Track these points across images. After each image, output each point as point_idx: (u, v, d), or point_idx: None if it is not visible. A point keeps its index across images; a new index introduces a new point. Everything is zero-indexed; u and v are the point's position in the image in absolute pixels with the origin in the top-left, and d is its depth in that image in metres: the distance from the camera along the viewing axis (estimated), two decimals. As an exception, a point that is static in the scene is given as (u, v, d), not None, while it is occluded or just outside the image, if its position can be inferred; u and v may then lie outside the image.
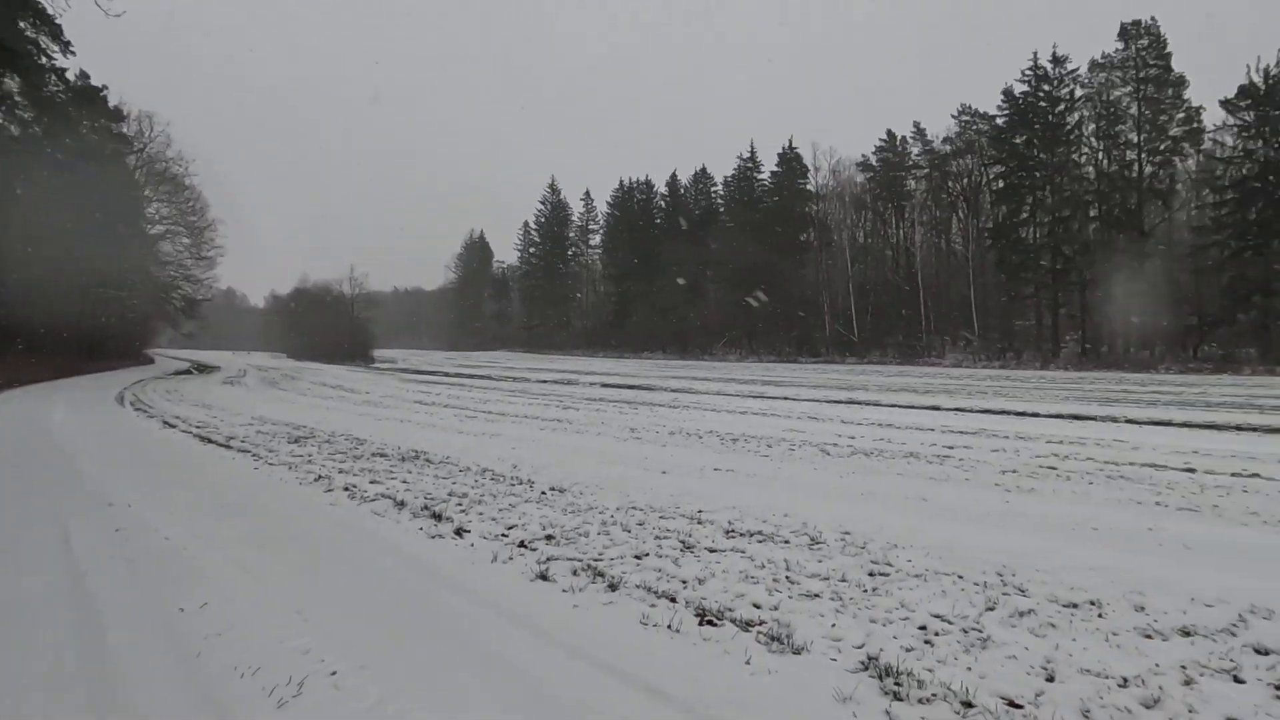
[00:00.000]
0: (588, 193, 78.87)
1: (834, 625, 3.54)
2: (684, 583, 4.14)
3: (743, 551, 4.81)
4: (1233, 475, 8.00)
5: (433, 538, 5.34)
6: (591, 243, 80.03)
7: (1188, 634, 3.54)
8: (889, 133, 50.10)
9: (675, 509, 6.11)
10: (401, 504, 6.38)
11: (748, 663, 3.19)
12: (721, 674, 3.10)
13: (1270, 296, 30.32)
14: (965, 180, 45.56)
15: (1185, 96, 35.83)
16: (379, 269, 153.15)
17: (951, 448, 9.98)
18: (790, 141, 54.26)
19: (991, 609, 3.81)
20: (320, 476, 7.91)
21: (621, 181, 72.67)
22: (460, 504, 6.44)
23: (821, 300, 47.99)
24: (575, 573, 4.35)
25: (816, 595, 3.98)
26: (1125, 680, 2.99)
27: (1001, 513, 6.27)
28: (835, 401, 17.35)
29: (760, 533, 5.33)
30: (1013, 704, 2.79)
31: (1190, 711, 2.76)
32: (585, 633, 3.53)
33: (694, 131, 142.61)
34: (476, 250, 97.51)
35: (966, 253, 42.59)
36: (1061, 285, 37.82)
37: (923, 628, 3.54)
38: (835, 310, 47.59)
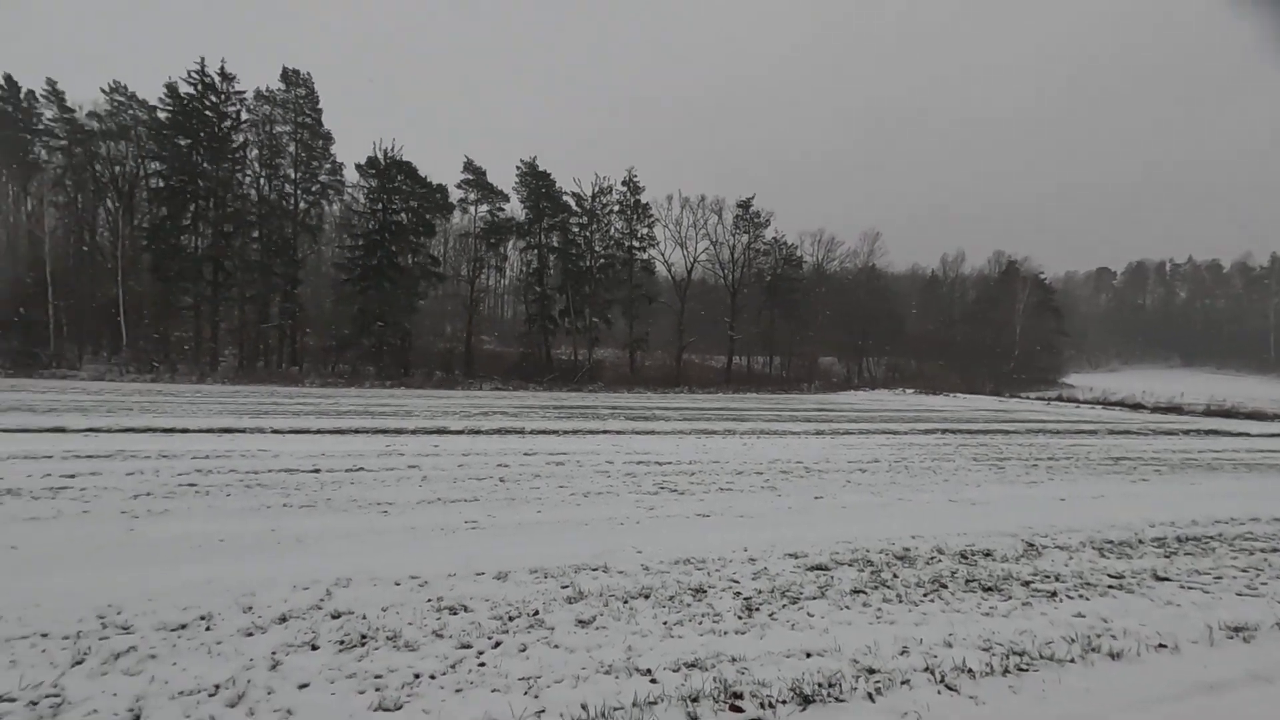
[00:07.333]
0: None
1: None
2: None
3: None
4: (346, 471, 9.69)
5: None
6: None
7: (284, 619, 3.98)
8: (8, 79, 38.85)
9: None
10: None
11: None
12: None
13: (385, 326, 38.97)
14: (118, 168, 39.90)
15: (333, 151, 42.27)
16: None
17: (73, 476, 8.41)
18: None
19: (81, 662, 3.30)
20: None
21: None
22: None
23: None
24: None
25: None
26: (217, 687, 3.09)
27: (122, 544, 5.64)
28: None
29: None
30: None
31: (270, 693, 3.08)
32: None
33: None
34: None
35: (117, 251, 37.22)
36: (223, 299, 38.00)
37: (-37, 724, 2.72)
38: (-99, 299, 33.14)
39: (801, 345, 53.64)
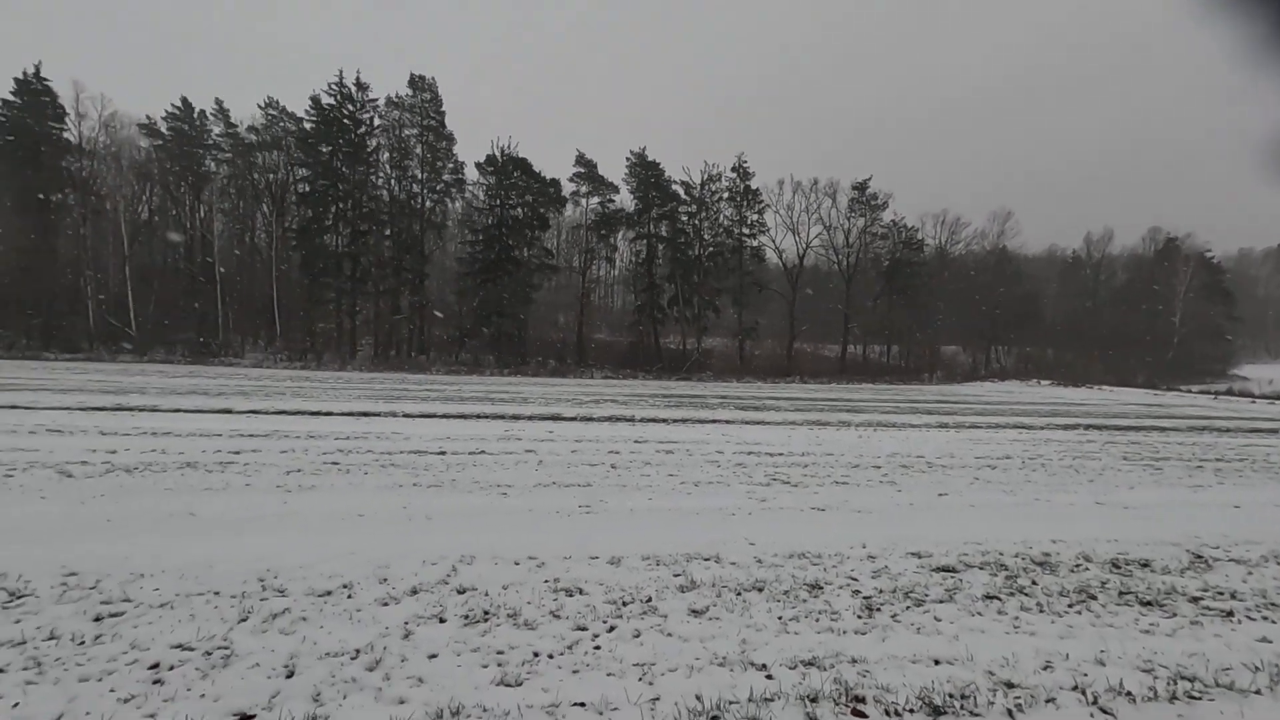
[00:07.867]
0: None
1: (16, 706, 2.70)
2: None
3: None
4: (469, 454, 10.20)
5: None
6: None
7: (415, 592, 4.24)
8: (185, 101, 43.97)
9: None
10: None
11: None
12: None
13: (503, 317, 40.84)
14: (272, 176, 44.28)
15: (455, 151, 44.62)
16: None
17: (238, 453, 9.41)
18: (38, 68, 40.77)
19: (245, 619, 3.68)
20: None
21: None
22: None
23: (84, 283, 38.08)
24: None
25: (-2, 672, 2.98)
26: (358, 651, 3.33)
27: (278, 515, 6.23)
28: (96, 409, 13.97)
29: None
30: (245, 715, 2.71)
31: (403, 660, 3.28)
32: None
33: None
34: None
35: (271, 250, 41.41)
36: (360, 293, 41.27)
37: (155, 666, 3.09)
38: (106, 297, 38.55)
39: (922, 333, 50.70)
